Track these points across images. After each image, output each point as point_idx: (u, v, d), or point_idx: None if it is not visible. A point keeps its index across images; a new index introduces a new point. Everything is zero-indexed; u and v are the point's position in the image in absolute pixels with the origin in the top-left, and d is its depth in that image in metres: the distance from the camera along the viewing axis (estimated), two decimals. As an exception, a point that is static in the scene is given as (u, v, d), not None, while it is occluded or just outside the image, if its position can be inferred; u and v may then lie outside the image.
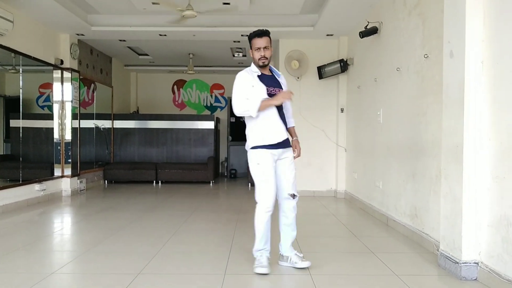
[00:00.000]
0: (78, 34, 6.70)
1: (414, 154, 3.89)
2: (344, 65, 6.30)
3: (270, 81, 2.94)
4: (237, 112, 2.89)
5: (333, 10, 5.29)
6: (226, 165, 10.01)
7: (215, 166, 8.59)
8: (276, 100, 2.83)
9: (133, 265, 3.02)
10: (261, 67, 2.94)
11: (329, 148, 6.74)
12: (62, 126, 6.61)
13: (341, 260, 3.25)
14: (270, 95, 2.88)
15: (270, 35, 2.96)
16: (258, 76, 2.92)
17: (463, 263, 2.75)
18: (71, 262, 3.14)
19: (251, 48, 2.95)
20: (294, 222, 3.07)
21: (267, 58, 2.89)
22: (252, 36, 2.93)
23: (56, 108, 6.58)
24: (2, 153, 6.59)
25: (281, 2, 5.58)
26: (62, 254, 3.43)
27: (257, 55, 2.89)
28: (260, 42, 2.88)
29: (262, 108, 2.80)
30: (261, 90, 2.85)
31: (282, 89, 2.98)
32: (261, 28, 2.96)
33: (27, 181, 5.71)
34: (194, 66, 8.88)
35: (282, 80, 3.06)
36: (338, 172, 6.66)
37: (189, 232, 4.12)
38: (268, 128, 2.88)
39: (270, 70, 3.04)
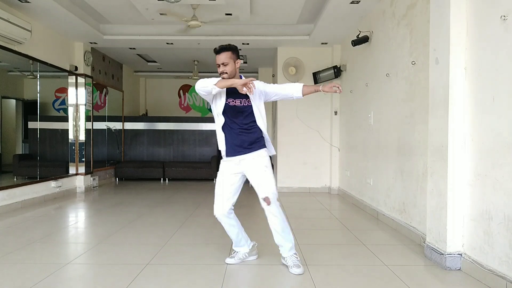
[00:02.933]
0: (91, 43, 6.70)
1: (403, 153, 3.89)
2: (337, 71, 6.30)
3: (232, 94, 2.70)
4: (197, 87, 2.62)
5: (327, 20, 5.29)
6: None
7: (218, 165, 8.54)
8: (237, 81, 2.54)
9: (142, 256, 3.02)
10: None
11: (323, 148, 6.74)
12: (77, 127, 6.61)
13: (335, 251, 3.25)
14: (228, 105, 2.69)
15: (233, 50, 2.70)
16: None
17: (447, 254, 2.76)
18: (85, 253, 3.14)
19: None
20: (285, 229, 2.72)
21: (227, 73, 2.65)
22: (214, 53, 2.71)
23: (71, 111, 6.58)
24: (21, 153, 6.60)
25: (280, 13, 5.58)
26: (76, 246, 3.43)
27: (219, 70, 2.69)
28: (218, 58, 2.67)
29: (221, 84, 2.55)
30: (222, 99, 2.70)
31: (246, 99, 2.71)
32: (223, 44, 2.71)
33: (44, 178, 5.71)
34: (199, 72, 8.88)
35: (256, 92, 2.73)
36: (332, 170, 6.66)
37: (194, 225, 4.12)
38: (218, 139, 2.79)
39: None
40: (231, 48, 2.71)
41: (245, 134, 2.72)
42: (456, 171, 2.74)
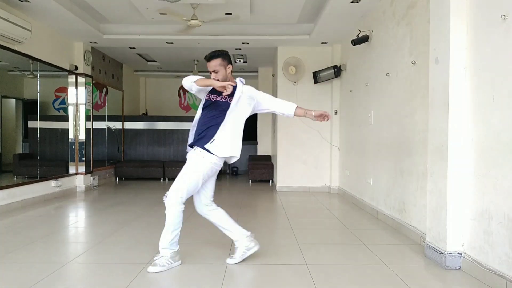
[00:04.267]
0: (91, 42, 6.69)
1: (402, 153, 3.89)
2: (337, 71, 6.29)
3: (219, 93, 2.73)
4: (184, 83, 2.73)
5: (328, 20, 5.29)
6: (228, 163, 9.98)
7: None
8: (215, 82, 2.60)
9: (142, 255, 3.02)
10: None
11: (323, 148, 6.75)
12: (76, 127, 6.61)
13: (335, 251, 3.25)
14: (208, 100, 2.77)
15: (224, 56, 2.73)
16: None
17: (447, 253, 2.76)
18: (85, 252, 3.14)
19: None
20: (166, 228, 2.69)
21: (219, 80, 2.69)
22: (205, 60, 2.77)
23: (71, 110, 6.58)
24: (21, 152, 6.60)
25: (279, 12, 5.58)
26: (76, 245, 3.43)
27: (211, 76, 2.75)
28: (209, 66, 2.72)
29: (200, 83, 2.63)
30: (206, 94, 2.81)
31: (229, 97, 2.72)
32: (213, 51, 2.74)
33: (44, 178, 5.71)
34: (199, 72, 8.87)
35: (239, 90, 2.75)
36: (332, 170, 6.66)
37: (194, 225, 4.11)
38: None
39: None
40: (221, 54, 2.73)
41: (204, 125, 2.72)
42: (456, 171, 2.74)
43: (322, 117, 2.82)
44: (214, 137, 2.67)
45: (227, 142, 2.71)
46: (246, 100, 2.78)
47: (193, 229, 3.89)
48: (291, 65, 6.62)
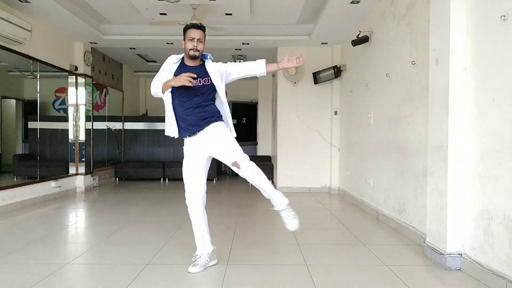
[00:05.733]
0: (91, 43, 6.70)
1: (402, 153, 3.89)
2: (337, 71, 6.30)
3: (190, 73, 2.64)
4: (152, 92, 2.72)
5: (327, 20, 5.29)
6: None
7: (218, 165, 8.56)
8: (173, 81, 2.53)
9: (143, 256, 3.02)
10: (190, 58, 2.65)
11: (323, 148, 6.75)
12: (76, 127, 6.61)
13: (335, 251, 3.25)
14: (176, 91, 2.65)
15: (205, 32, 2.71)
16: (181, 66, 2.69)
17: (447, 254, 2.76)
18: (85, 253, 3.14)
19: (184, 39, 2.66)
20: (267, 187, 2.71)
21: (198, 51, 2.62)
22: (188, 27, 2.66)
23: (71, 111, 6.58)
24: (21, 153, 6.60)
25: (279, 13, 5.58)
26: (76, 246, 3.43)
27: (189, 44, 2.61)
28: (195, 33, 2.62)
29: (164, 88, 2.60)
30: (164, 79, 2.68)
31: (207, 78, 2.66)
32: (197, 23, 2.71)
33: (44, 178, 5.71)
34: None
35: (210, 66, 2.69)
36: (332, 170, 6.66)
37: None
38: (167, 120, 2.68)
39: (202, 59, 2.74)
40: (205, 31, 2.71)
41: (201, 112, 2.64)
42: (456, 171, 2.74)
43: (296, 60, 2.71)
44: (220, 114, 2.69)
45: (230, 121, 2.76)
46: (218, 76, 2.69)
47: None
48: (291, 66, 6.61)
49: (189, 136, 2.69)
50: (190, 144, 2.70)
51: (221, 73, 2.74)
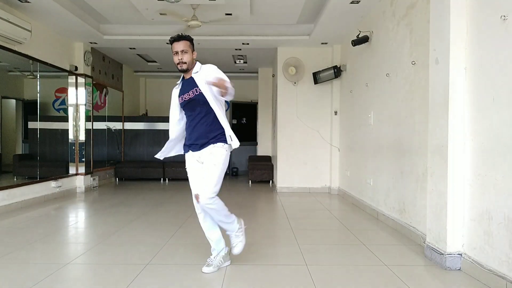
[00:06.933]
0: (91, 43, 6.70)
1: (402, 153, 3.89)
2: (337, 71, 6.30)
3: (186, 88, 2.69)
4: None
5: (328, 20, 5.29)
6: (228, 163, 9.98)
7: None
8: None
9: (142, 256, 3.03)
10: (180, 72, 2.68)
11: (323, 148, 6.75)
12: (76, 127, 6.61)
13: (335, 251, 3.25)
14: (183, 104, 2.73)
15: (191, 41, 2.69)
16: (182, 82, 2.74)
17: (447, 254, 2.76)
18: (85, 253, 3.14)
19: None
20: (222, 221, 2.75)
21: (185, 63, 2.61)
22: (171, 41, 2.66)
23: (71, 111, 6.58)
24: (21, 153, 6.60)
25: (279, 13, 5.58)
26: (76, 246, 3.43)
27: (175, 59, 2.63)
28: (177, 45, 2.61)
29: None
30: (175, 107, 2.81)
31: (195, 88, 2.63)
32: (180, 33, 2.69)
33: (44, 178, 5.71)
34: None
35: (198, 76, 2.64)
36: (332, 170, 6.66)
37: (194, 225, 4.11)
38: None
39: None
40: (189, 39, 2.68)
41: (205, 126, 2.66)
42: (456, 171, 2.74)
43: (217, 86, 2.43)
44: (224, 130, 2.66)
45: (231, 131, 2.73)
46: (204, 82, 2.62)
47: (193, 229, 3.89)
48: (291, 66, 6.62)
49: (191, 150, 2.76)
50: (188, 156, 2.81)
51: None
